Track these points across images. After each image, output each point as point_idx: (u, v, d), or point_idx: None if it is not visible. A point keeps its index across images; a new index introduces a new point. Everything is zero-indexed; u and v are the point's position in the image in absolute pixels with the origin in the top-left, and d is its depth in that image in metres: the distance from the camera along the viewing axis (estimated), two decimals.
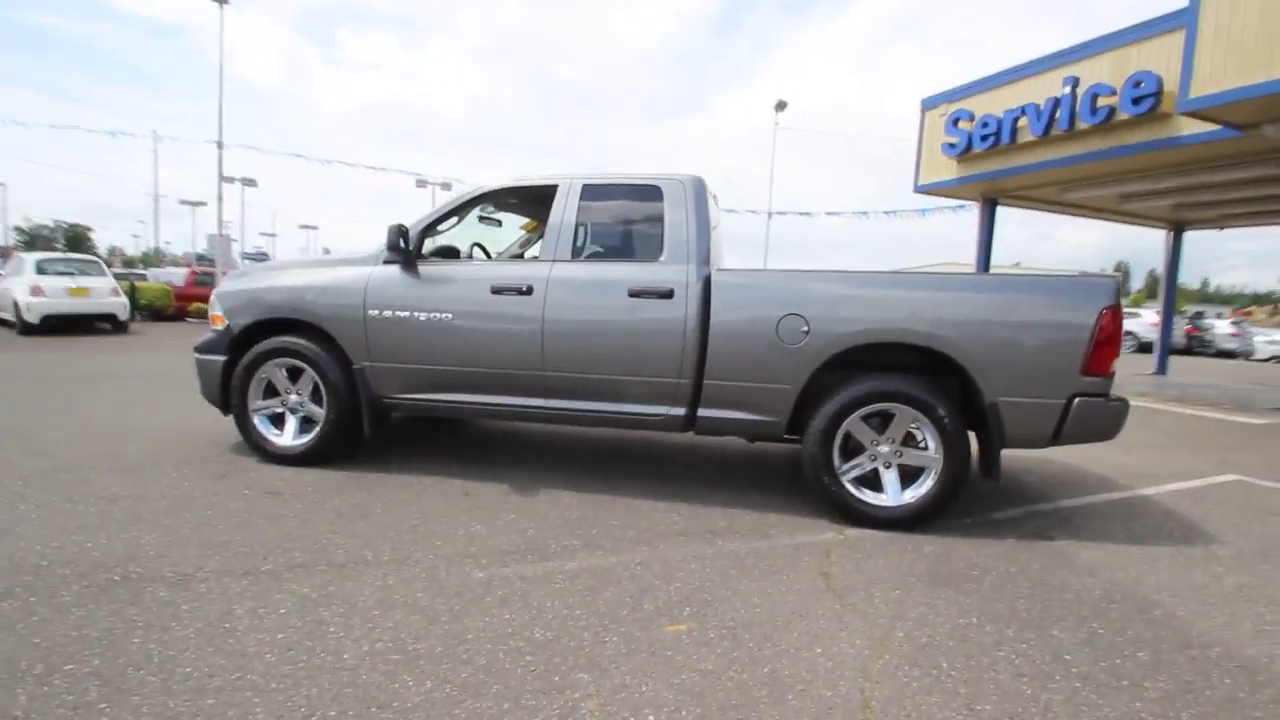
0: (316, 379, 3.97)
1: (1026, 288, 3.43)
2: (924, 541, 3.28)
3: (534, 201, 4.37)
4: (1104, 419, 3.35)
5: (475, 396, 3.85)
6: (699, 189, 3.76)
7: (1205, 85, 5.73)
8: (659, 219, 3.73)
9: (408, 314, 3.82)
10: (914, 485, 3.45)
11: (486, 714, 1.76)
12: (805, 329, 3.43)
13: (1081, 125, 7.80)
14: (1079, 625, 2.48)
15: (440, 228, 4.09)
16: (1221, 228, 12.19)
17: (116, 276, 14.30)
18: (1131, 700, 2.01)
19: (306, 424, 4.08)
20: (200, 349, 4.23)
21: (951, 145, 9.59)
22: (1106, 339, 3.26)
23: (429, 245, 4.05)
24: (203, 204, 46.86)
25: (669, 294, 3.56)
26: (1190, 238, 12.63)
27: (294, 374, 4.04)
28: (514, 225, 5.06)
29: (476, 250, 4.69)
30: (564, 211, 3.81)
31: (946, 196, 10.75)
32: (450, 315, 3.77)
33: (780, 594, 2.60)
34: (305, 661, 1.95)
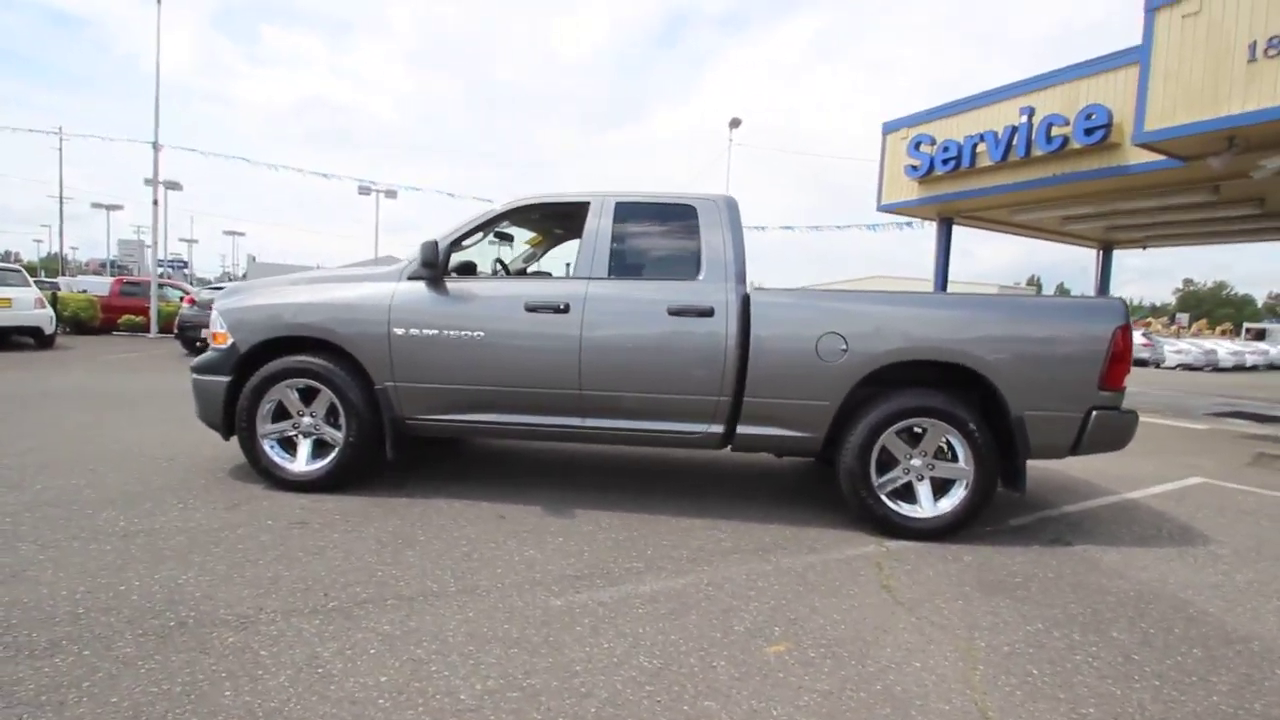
0: (334, 400, 3.78)
1: (1048, 309, 3.65)
2: (960, 551, 3.42)
3: (562, 218, 4.32)
4: (1118, 430, 3.58)
5: (508, 416, 3.76)
6: (733, 208, 3.82)
7: (1157, 120, 6.27)
8: (695, 238, 3.76)
9: (436, 332, 3.69)
10: (946, 496, 3.59)
11: None
12: (844, 347, 3.53)
13: (1037, 152, 8.38)
14: (1131, 626, 2.64)
15: (465, 243, 3.99)
16: (1145, 247, 13.29)
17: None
18: (1208, 695, 2.15)
19: (320, 448, 3.87)
20: (200, 369, 3.96)
21: (914, 168, 10.09)
22: (1120, 355, 3.49)
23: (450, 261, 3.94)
24: (119, 207, 43.81)
25: (709, 312, 3.59)
26: (1091, 256, 13.65)
27: (307, 395, 3.84)
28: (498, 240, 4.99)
29: (482, 265, 4.60)
30: (598, 229, 3.79)
31: (908, 215, 11.29)
32: (483, 334, 3.67)
33: (855, 609, 2.65)
34: (423, 705, 1.85)
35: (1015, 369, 3.51)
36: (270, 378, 3.78)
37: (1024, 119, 8.45)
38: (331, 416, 3.85)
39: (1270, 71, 5.53)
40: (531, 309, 3.67)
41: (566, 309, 3.64)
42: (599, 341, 3.63)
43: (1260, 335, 41.50)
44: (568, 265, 4.05)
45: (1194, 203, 8.65)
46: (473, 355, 3.68)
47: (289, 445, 3.90)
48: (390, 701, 1.86)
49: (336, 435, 3.81)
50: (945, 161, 9.48)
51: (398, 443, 3.84)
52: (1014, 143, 8.60)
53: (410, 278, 3.81)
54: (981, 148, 9.06)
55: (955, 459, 3.59)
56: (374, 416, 3.79)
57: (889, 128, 10.72)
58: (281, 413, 3.88)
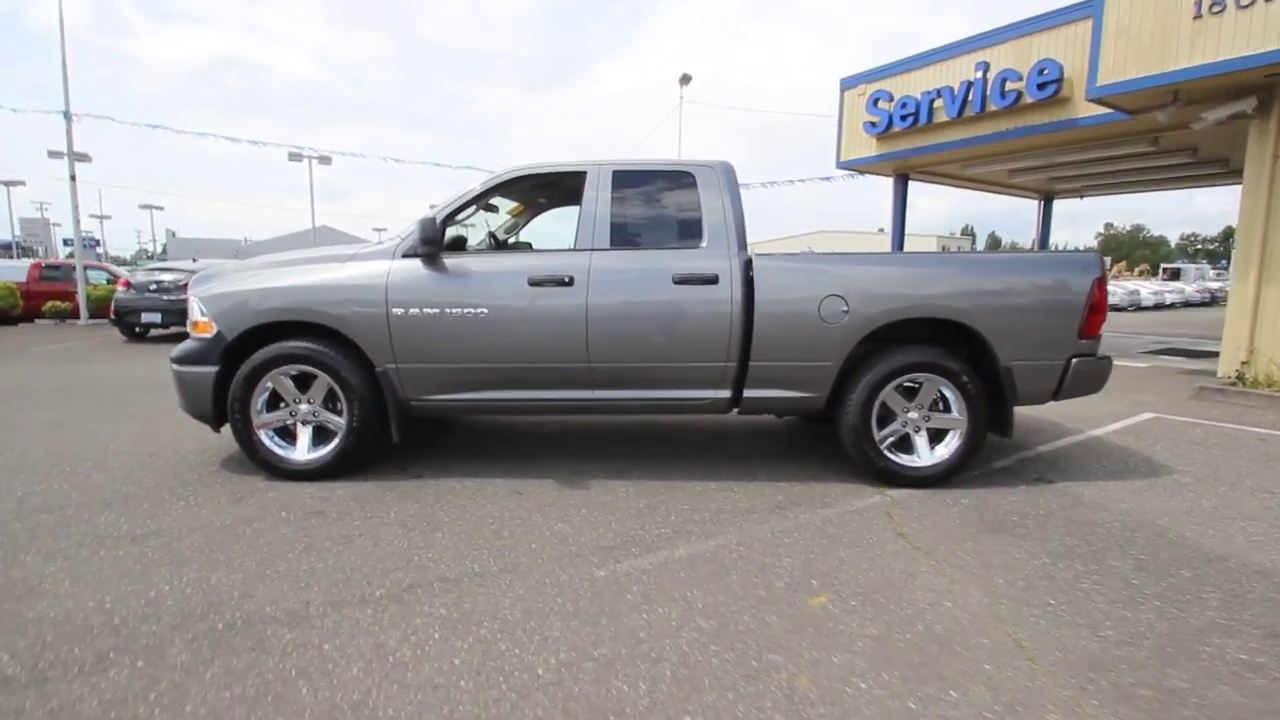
0: (333, 385, 3.67)
1: (1031, 264, 3.83)
2: (958, 495, 3.64)
3: (555, 188, 4.23)
4: (1096, 375, 3.84)
5: (515, 393, 3.74)
6: (730, 174, 3.83)
7: (1109, 75, 6.53)
8: (695, 205, 3.76)
9: (438, 310, 3.61)
10: (942, 445, 3.80)
11: (719, 705, 1.81)
12: (845, 309, 3.64)
13: (992, 107, 8.61)
14: (1124, 554, 2.89)
15: (459, 217, 3.87)
16: (1082, 196, 13.95)
17: None
18: (1203, 610, 2.40)
19: (320, 435, 3.78)
20: (181, 360, 3.76)
21: (873, 124, 10.23)
22: (1097, 305, 3.72)
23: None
24: (20, 183, 40.18)
25: (714, 279, 3.62)
26: (1020, 206, 14.28)
27: (303, 381, 3.71)
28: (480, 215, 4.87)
29: (465, 239, 4.49)
30: (597, 198, 3.74)
31: (866, 172, 11.48)
32: (485, 310, 3.61)
33: (879, 557, 2.81)
34: (504, 683, 1.89)
35: (1003, 322, 3.70)
36: (263, 365, 3.64)
37: (979, 74, 8.65)
38: (331, 402, 3.75)
39: (1214, 27, 5.81)
40: (535, 283, 3.62)
41: (571, 281, 3.61)
42: (605, 313, 3.62)
43: (1175, 275, 44.42)
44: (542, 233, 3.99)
45: (1134, 153, 9.11)
46: (477, 332, 3.63)
47: (287, 434, 3.78)
48: (472, 683, 1.89)
49: (338, 421, 3.71)
50: (904, 118, 9.64)
51: (403, 426, 3.77)
52: (969, 98, 8.81)
53: (406, 255, 3.69)
54: (938, 103, 9.25)
55: (949, 410, 3.78)
56: (376, 400, 3.70)
57: (847, 83, 10.79)
58: (276, 401, 3.75)
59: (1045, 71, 7.97)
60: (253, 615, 2.26)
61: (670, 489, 3.67)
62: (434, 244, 3.57)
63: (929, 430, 3.81)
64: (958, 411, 3.75)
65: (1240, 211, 6.68)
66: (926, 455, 3.78)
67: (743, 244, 3.74)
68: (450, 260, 3.69)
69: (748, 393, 3.77)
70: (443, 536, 2.97)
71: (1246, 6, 5.59)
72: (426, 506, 3.35)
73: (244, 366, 3.65)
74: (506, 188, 3.91)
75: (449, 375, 3.70)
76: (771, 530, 3.10)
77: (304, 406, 3.73)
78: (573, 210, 5.19)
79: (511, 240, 4.86)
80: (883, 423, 3.78)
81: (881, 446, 3.75)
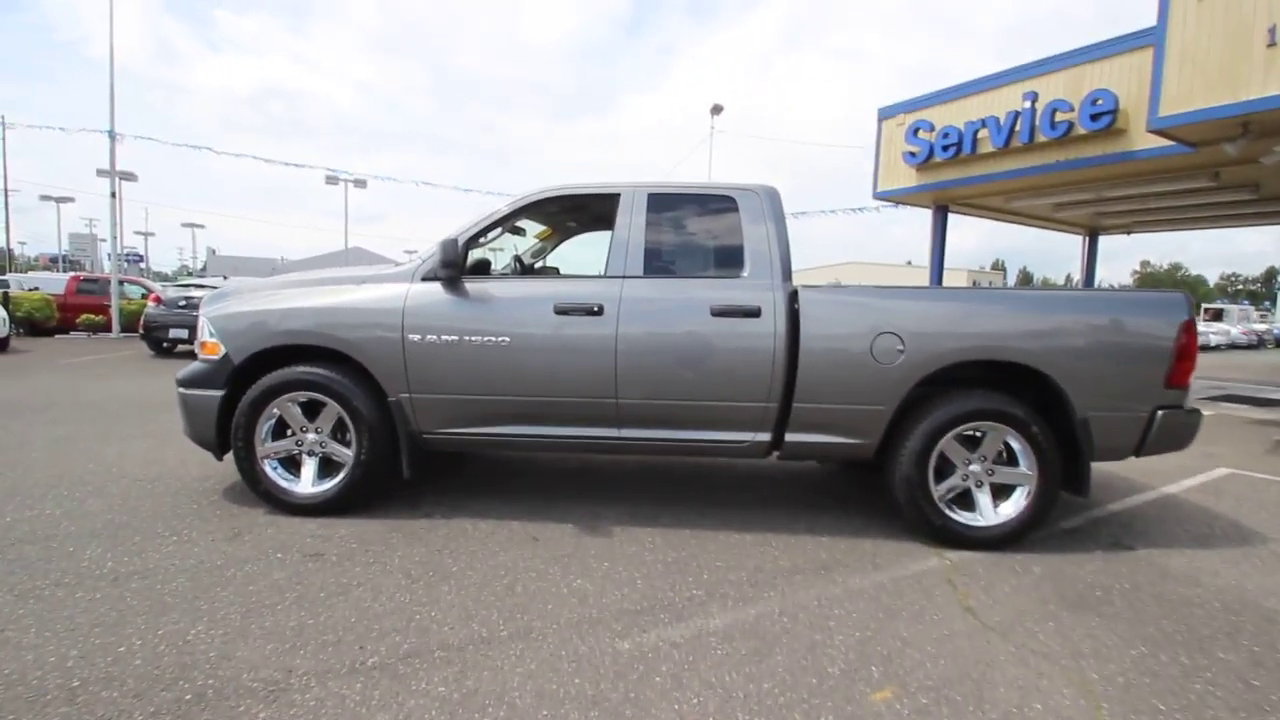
0: (342, 414, 3.42)
1: (1111, 304, 3.46)
2: (1026, 561, 3.23)
3: (585, 211, 4.00)
4: (1183, 430, 3.43)
5: (537, 429, 3.45)
6: (775, 199, 3.55)
7: (1173, 105, 6.17)
8: (736, 231, 3.48)
9: (456, 338, 3.36)
10: (1007, 502, 3.40)
11: None
12: (900, 348, 3.30)
13: (1041, 138, 8.27)
14: (1234, 645, 2.47)
15: (483, 240, 3.65)
16: (1130, 232, 13.41)
17: None
18: None
19: (327, 467, 3.52)
20: (187, 382, 3.56)
21: (912, 154, 9.94)
22: (1186, 351, 3.33)
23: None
24: (70, 200, 41.81)
25: (756, 312, 3.32)
26: (1053, 242, 13.77)
27: (310, 410, 3.48)
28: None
29: (490, 263, 4.26)
30: (631, 223, 3.49)
31: (904, 203, 11.16)
32: (508, 339, 3.35)
33: (947, 639, 2.43)
34: None
35: (1079, 368, 3.32)
36: (269, 391, 3.41)
37: (1027, 104, 8.33)
38: (339, 432, 3.50)
39: None
40: (561, 311, 3.35)
41: (600, 311, 3.34)
42: (637, 346, 3.34)
43: (1218, 315, 42.79)
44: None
45: (1193, 188, 8.66)
46: (497, 363, 3.36)
47: (292, 465, 3.54)
48: None
49: (345, 453, 3.46)
50: (945, 148, 9.33)
51: (415, 460, 3.50)
52: (1017, 128, 8.48)
53: (425, 278, 3.46)
54: (983, 134, 8.93)
55: (1015, 463, 3.40)
56: (387, 432, 3.45)
57: (885, 113, 10.54)
58: (283, 429, 3.51)
59: (1099, 102, 7.63)
60: (227, 684, 1.97)
61: (701, 540, 3.33)
62: (455, 267, 3.34)
63: (992, 485, 3.42)
64: (1026, 466, 3.36)
65: None
66: (990, 513, 3.38)
67: (787, 274, 3.45)
68: (472, 285, 3.45)
69: (790, 437, 3.43)
70: (449, 590, 2.66)
71: None
72: (434, 552, 3.05)
73: (250, 391, 3.43)
74: (534, 209, 3.68)
75: (466, 407, 3.43)
76: (818, 598, 2.73)
77: (311, 436, 3.49)
78: (603, 236, 5.02)
79: (538, 265, 4.63)
80: (940, 475, 3.40)
81: (939, 502, 3.37)
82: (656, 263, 3.49)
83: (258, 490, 3.49)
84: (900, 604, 2.70)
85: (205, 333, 3.57)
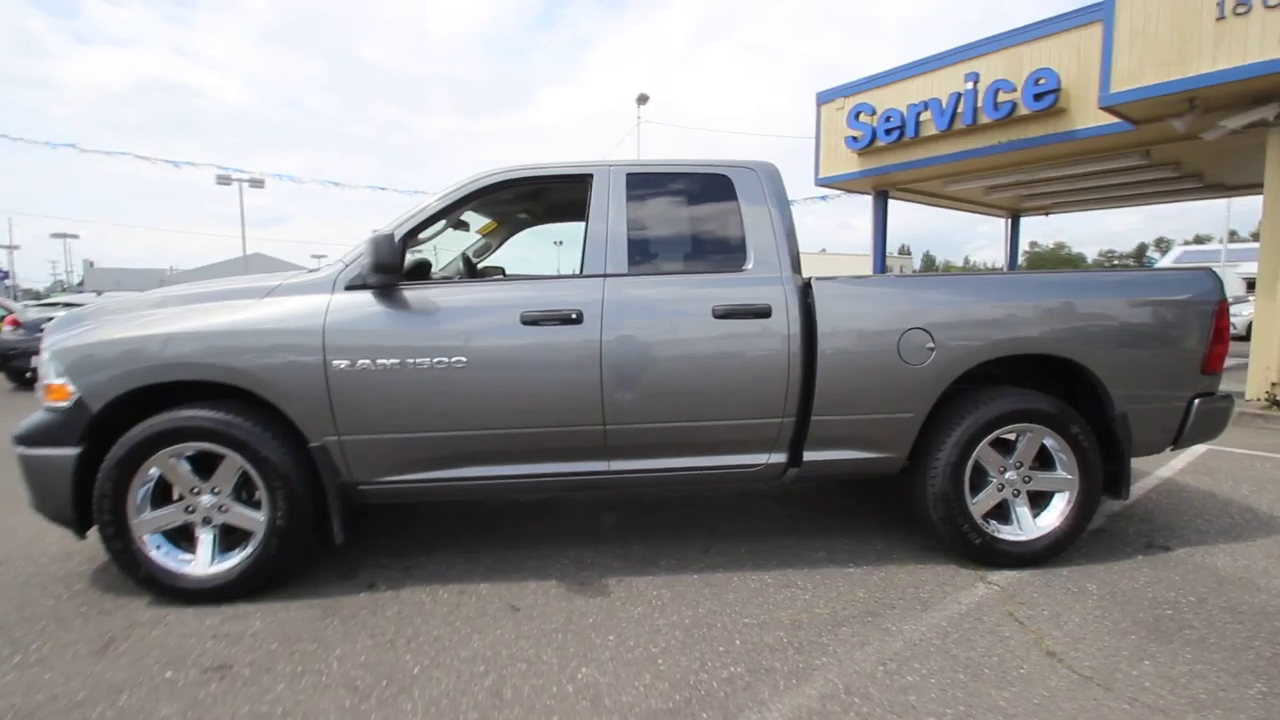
0: (246, 468, 2.64)
1: (1147, 285, 3.13)
2: (1076, 577, 2.88)
3: (548, 198, 3.34)
4: (1219, 417, 3.17)
5: (506, 469, 2.79)
6: (775, 178, 3.03)
7: (1124, 81, 6.14)
8: (734, 217, 2.93)
9: (397, 361, 2.64)
10: (1045, 511, 3.04)
11: None
12: (930, 345, 2.85)
13: (984, 119, 8.22)
14: None
15: (422, 235, 2.93)
16: (1048, 213, 13.91)
17: None
18: None
19: (230, 537, 2.72)
20: (27, 439, 2.67)
21: (855, 139, 9.75)
22: (1221, 334, 3.06)
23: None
24: None
25: (765, 312, 2.79)
26: (951, 224, 14.24)
27: (204, 464, 2.67)
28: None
29: (435, 265, 3.55)
30: (609, 210, 2.86)
31: (846, 189, 11.02)
32: (464, 359, 2.66)
33: (1049, 701, 1.99)
34: None
35: (1117, 358, 2.99)
36: (145, 445, 2.58)
37: (969, 85, 8.26)
38: (244, 492, 2.71)
39: (1239, 30, 5.47)
40: (531, 321, 2.70)
41: (579, 319, 2.71)
42: (626, 358, 2.73)
43: None
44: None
45: (1121, 167, 8.89)
46: (453, 389, 2.67)
47: (182, 538, 2.71)
48: None
49: (254, 518, 2.67)
50: (889, 132, 9.18)
51: (349, 520, 2.76)
52: (959, 110, 8.40)
53: (350, 286, 2.71)
54: (925, 116, 8.82)
55: (1053, 467, 3.04)
56: (310, 486, 2.69)
57: (824, 97, 10.32)
58: (167, 493, 2.69)
59: (1042, 81, 7.62)
60: None
61: (716, 588, 2.77)
62: (391, 270, 2.61)
63: (1029, 494, 3.05)
64: (1065, 469, 3.00)
65: (1263, 224, 6.35)
66: (1030, 526, 3.01)
67: (797, 265, 2.93)
68: (413, 293, 2.74)
69: (809, 455, 2.92)
70: (413, 709, 1.97)
71: (1275, 6, 5.26)
72: (385, 645, 2.34)
73: (117, 447, 2.58)
74: (485, 196, 2.98)
75: (413, 449, 2.72)
76: (880, 660, 2.23)
77: (206, 499, 2.67)
78: (556, 230, 4.37)
79: (480, 267, 3.93)
80: (975, 487, 2.99)
81: (978, 518, 2.95)
82: (642, 258, 2.89)
83: (137, 577, 2.65)
84: (975, 656, 2.24)
85: (50, 372, 2.67)
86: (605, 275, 2.79)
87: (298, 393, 2.63)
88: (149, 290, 3.12)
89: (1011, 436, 3.00)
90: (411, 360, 2.64)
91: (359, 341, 2.65)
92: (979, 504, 2.97)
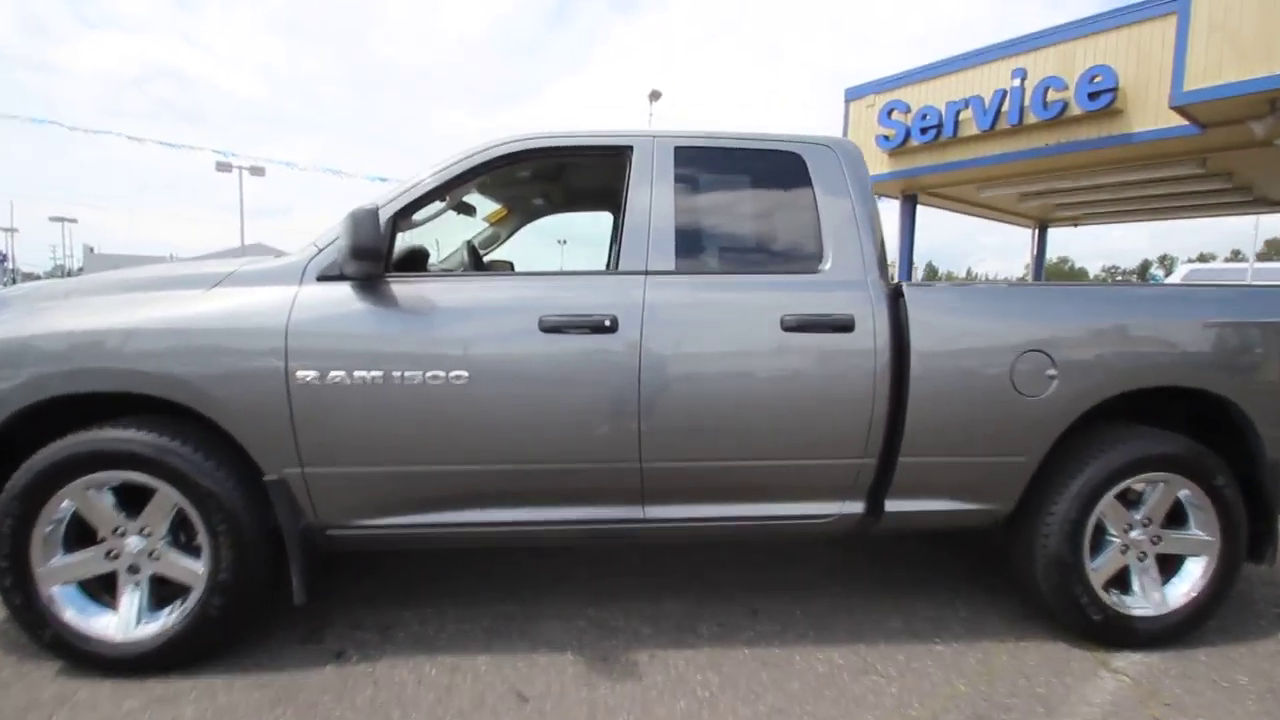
0: (183, 505, 2.06)
1: None
2: (1217, 666, 2.31)
3: (572, 176, 2.77)
4: None
5: (514, 513, 2.21)
6: (857, 161, 2.46)
7: (1200, 79, 5.58)
8: (807, 206, 2.35)
9: (379, 374, 2.07)
10: (1179, 580, 2.46)
11: None
12: (1051, 372, 2.28)
13: (1032, 119, 7.65)
14: None
15: (416, 216, 2.35)
16: (1076, 224, 13.34)
17: None
18: None
19: (162, 591, 2.15)
20: None
21: (886, 138, 9.18)
22: None
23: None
24: None
25: (848, 325, 2.21)
26: (951, 236, 13.65)
27: (131, 499, 2.10)
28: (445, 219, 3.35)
29: (443, 254, 2.98)
30: (652, 191, 2.29)
31: (875, 192, 10.43)
32: (466, 373, 2.09)
33: None
34: None
35: (1268, 391, 2.42)
36: (55, 472, 2.01)
37: (1017, 82, 7.69)
38: (181, 534, 2.14)
39: None
40: (553, 328, 2.12)
41: (613, 326, 2.13)
42: (670, 379, 2.16)
43: None
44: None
45: (1175, 176, 8.31)
46: (450, 412, 2.10)
47: (103, 590, 2.14)
48: None
49: (192, 568, 2.10)
50: (924, 130, 8.61)
51: (312, 573, 2.18)
52: (1004, 109, 7.84)
53: (323, 277, 2.14)
54: (966, 114, 8.25)
55: (1185, 525, 2.46)
56: (264, 529, 2.11)
57: (853, 94, 9.75)
58: (84, 534, 2.11)
59: (1098, 79, 7.05)
60: None
61: (773, 669, 2.19)
62: (374, 257, 2.03)
63: (1158, 558, 2.47)
64: (1202, 528, 2.43)
65: None
66: (1159, 597, 2.43)
67: (883, 268, 2.36)
68: (403, 287, 2.16)
69: (891, 505, 2.35)
70: None
71: None
72: None
73: (19, 474, 2.01)
74: (496, 171, 2.39)
75: (398, 486, 2.14)
76: None
77: (133, 541, 2.10)
78: (560, 228, 3.78)
79: (486, 260, 3.36)
80: (1094, 549, 2.42)
81: (1097, 587, 2.38)
82: (693, 252, 2.31)
83: (41, 640, 2.08)
84: None
85: None
86: (646, 273, 2.21)
87: (251, 411, 2.05)
88: (84, 278, 2.53)
89: (1139, 487, 2.43)
90: (399, 373, 2.06)
91: (332, 347, 2.07)
92: (1099, 570, 2.39)
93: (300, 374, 2.04)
